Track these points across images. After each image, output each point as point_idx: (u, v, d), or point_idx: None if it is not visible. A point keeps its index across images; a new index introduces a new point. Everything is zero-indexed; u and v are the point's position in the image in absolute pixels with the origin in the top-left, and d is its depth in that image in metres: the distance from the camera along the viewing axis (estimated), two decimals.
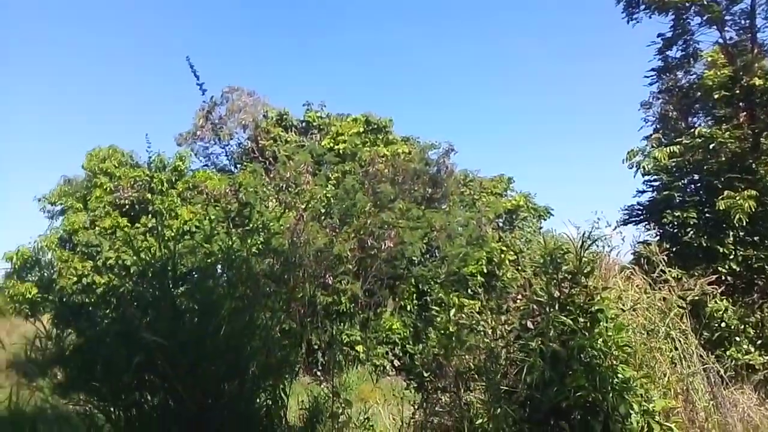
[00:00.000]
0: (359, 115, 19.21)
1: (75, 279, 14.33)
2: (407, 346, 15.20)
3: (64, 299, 14.40)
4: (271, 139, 18.59)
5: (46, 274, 15.74)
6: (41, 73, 45.16)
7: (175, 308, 3.85)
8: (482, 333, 4.57)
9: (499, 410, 3.90)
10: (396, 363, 15.11)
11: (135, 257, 4.74)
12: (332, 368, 11.30)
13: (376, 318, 15.52)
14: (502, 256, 16.94)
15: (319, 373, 13.16)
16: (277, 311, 4.59)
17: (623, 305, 4.76)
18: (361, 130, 18.57)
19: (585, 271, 4.04)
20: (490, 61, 51.23)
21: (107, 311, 5.19)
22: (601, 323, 3.79)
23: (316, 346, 13.86)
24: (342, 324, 14.69)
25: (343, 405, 4.57)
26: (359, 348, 14.54)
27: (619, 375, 3.64)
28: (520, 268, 14.11)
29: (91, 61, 45.32)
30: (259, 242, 8.69)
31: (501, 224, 19.46)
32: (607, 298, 4.07)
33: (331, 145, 17.96)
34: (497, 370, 4.22)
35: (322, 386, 7.61)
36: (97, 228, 15.27)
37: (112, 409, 3.69)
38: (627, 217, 12.60)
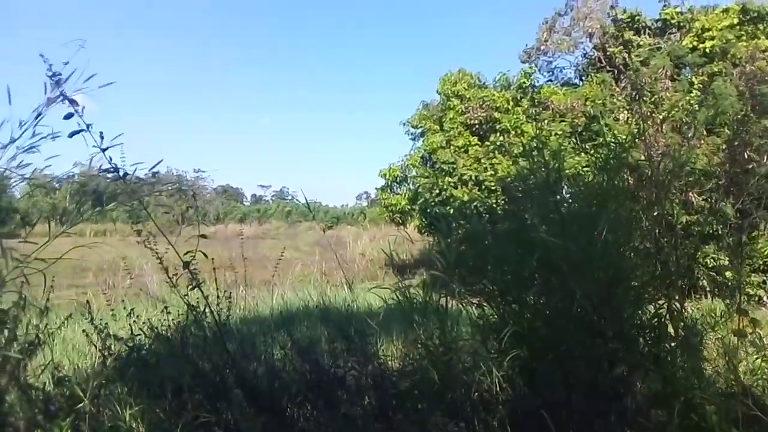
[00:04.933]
0: (732, 5, 15.69)
1: (436, 192, 16.12)
2: None
3: (428, 210, 16.49)
4: (620, 45, 16.89)
5: (411, 188, 18.15)
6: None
7: (560, 213, 3.79)
8: None
9: None
10: None
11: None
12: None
13: (750, 242, 13.13)
14: None
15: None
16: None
17: None
18: (735, 22, 15.18)
19: None
20: None
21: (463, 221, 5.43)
22: None
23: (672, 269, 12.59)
24: (707, 246, 12.91)
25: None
26: (728, 274, 12.60)
27: None
28: None
29: None
30: (609, 157, 8.09)
31: None
32: None
33: (695, 44, 15.24)
34: None
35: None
36: (451, 147, 16.69)
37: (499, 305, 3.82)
38: None
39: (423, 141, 18.22)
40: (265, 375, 3.47)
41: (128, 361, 3.25)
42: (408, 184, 18.40)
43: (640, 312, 3.65)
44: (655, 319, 3.60)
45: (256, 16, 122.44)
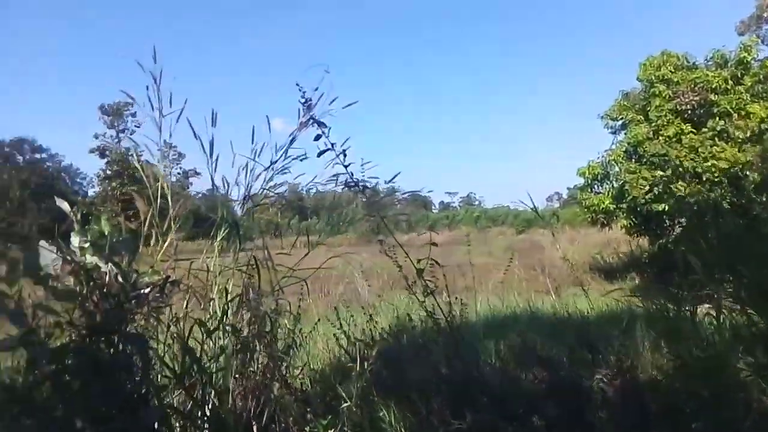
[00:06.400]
0: None
1: (646, 188, 14.71)
2: None
3: (637, 208, 15.12)
4: None
5: (615, 185, 16.80)
6: None
7: None
8: None
9: None
10: None
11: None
12: None
13: None
14: None
15: None
16: None
17: None
18: None
19: None
20: None
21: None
22: None
23: None
24: None
25: None
26: None
27: None
28: None
29: None
30: None
31: None
32: None
33: None
34: None
35: None
36: (661, 137, 15.12)
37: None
38: None
39: (625, 133, 16.81)
40: (504, 382, 3.44)
41: (377, 364, 3.46)
42: (611, 182, 17.05)
43: None
44: None
45: (434, 21, 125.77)
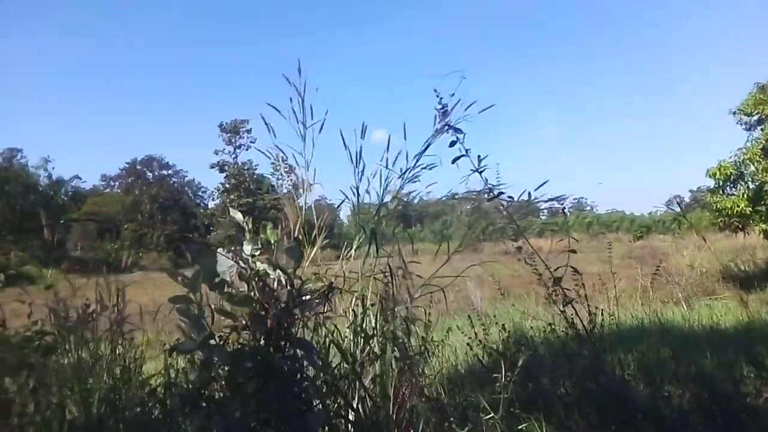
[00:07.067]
0: None
1: None
2: None
3: None
4: None
5: (751, 186, 15.26)
6: None
7: None
8: None
9: None
10: None
11: None
12: None
13: None
14: None
15: None
16: None
17: None
18: None
19: None
20: None
21: None
22: None
23: None
24: None
25: None
26: None
27: None
28: None
29: None
30: None
31: None
32: None
33: None
34: None
35: None
36: None
37: None
38: None
39: (762, 129, 15.22)
40: (656, 397, 3.19)
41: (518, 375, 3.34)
42: (746, 182, 15.49)
43: None
44: None
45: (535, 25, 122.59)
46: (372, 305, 3.06)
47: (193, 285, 1.88)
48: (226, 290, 1.96)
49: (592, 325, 3.61)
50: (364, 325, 2.96)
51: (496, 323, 4.17)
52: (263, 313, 1.96)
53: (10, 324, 2.96)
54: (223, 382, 1.96)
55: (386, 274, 3.20)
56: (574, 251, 3.47)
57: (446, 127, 3.20)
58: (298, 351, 1.99)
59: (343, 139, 3.16)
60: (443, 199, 3.81)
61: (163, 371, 2.84)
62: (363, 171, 3.22)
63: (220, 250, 2.01)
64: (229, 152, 61.88)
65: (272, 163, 3.55)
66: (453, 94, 3.16)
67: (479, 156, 3.24)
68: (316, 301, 2.15)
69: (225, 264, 2.00)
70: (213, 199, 65.26)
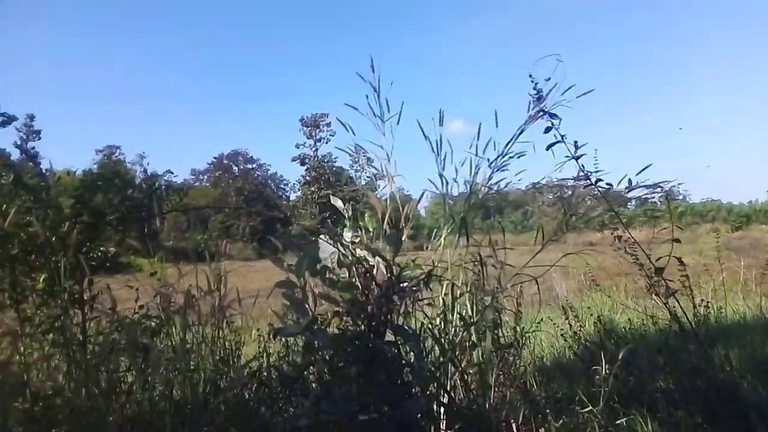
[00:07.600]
0: None
1: None
2: None
3: None
4: None
5: None
6: None
7: None
8: None
9: None
10: None
11: None
12: None
13: None
14: None
15: None
16: None
17: None
18: None
19: None
20: None
21: None
22: None
23: None
24: None
25: None
26: None
27: None
28: None
29: None
30: None
31: None
32: None
33: None
34: None
35: None
36: None
37: None
38: None
39: None
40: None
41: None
42: None
43: None
44: None
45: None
46: (460, 295, 3.02)
47: (298, 270, 1.94)
48: (327, 276, 2.02)
49: (697, 318, 3.39)
50: (454, 314, 2.94)
51: (591, 315, 4.01)
52: (364, 299, 2.00)
53: (119, 308, 3.19)
54: (326, 368, 2.02)
55: (476, 263, 3.15)
56: (678, 240, 3.26)
57: (541, 113, 3.09)
58: (398, 337, 2.02)
59: (421, 128, 3.13)
60: (527, 188, 3.70)
61: (262, 354, 2.96)
62: (445, 159, 3.16)
63: (322, 236, 2.06)
64: (310, 145, 63.60)
65: (350, 156, 3.58)
66: (548, 79, 3.04)
67: (575, 142, 3.10)
68: (414, 288, 2.16)
69: (327, 250, 2.05)
70: (294, 191, 67.48)
